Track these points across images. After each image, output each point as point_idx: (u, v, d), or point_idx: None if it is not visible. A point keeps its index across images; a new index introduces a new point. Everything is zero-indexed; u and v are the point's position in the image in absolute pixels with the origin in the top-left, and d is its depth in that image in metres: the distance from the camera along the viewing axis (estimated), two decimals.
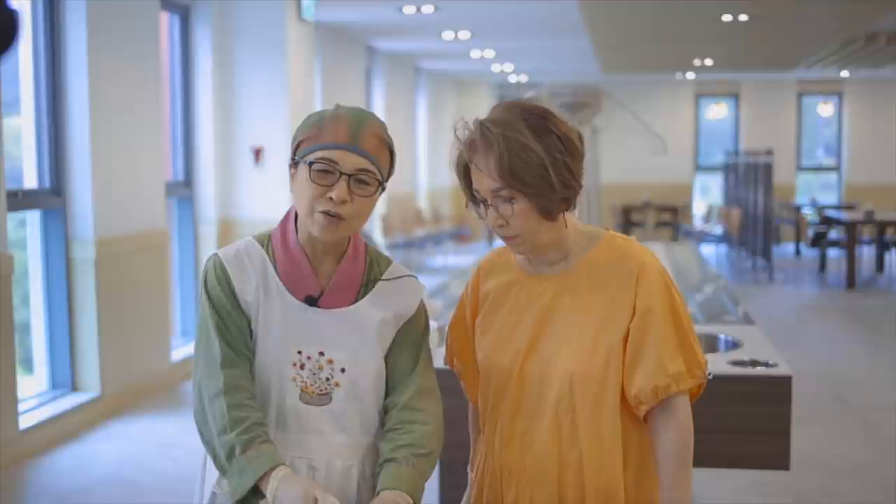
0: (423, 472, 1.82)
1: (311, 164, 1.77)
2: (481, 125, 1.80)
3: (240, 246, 1.88)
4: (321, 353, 1.82)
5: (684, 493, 1.82)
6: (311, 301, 1.83)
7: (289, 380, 1.82)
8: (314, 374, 1.82)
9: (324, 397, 1.83)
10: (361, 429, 1.86)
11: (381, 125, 1.84)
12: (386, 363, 1.89)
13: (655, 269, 1.86)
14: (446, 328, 2.08)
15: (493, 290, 1.97)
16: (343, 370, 1.83)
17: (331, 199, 1.75)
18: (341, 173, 1.76)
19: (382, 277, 1.90)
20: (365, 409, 1.85)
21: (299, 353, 1.82)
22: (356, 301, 1.87)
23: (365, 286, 1.88)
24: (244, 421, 1.74)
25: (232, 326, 1.81)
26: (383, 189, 1.84)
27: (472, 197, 1.86)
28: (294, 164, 1.81)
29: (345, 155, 1.76)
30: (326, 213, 1.76)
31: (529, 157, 1.76)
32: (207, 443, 1.79)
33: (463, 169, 1.85)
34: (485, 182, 1.80)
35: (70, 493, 4.54)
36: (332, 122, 1.79)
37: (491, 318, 1.95)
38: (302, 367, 1.82)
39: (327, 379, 1.82)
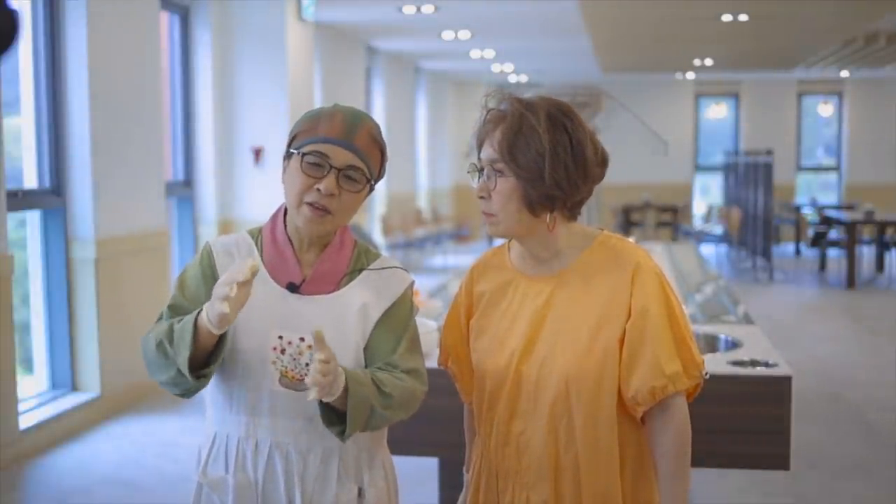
0: (374, 398, 1.78)
1: (303, 155, 1.82)
2: (510, 98, 1.85)
3: (232, 237, 1.97)
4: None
5: (683, 494, 1.82)
6: (293, 288, 1.87)
7: (268, 363, 1.85)
8: (294, 359, 1.84)
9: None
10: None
11: (376, 126, 1.90)
12: (367, 347, 1.90)
13: (650, 268, 1.85)
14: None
15: (487, 290, 1.97)
16: None
17: (318, 190, 1.81)
18: (331, 167, 1.82)
19: (368, 268, 1.93)
20: None
21: (280, 337, 1.84)
22: (339, 289, 1.89)
23: (349, 275, 1.91)
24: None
25: (191, 307, 1.86)
26: (372, 189, 1.89)
27: (476, 166, 1.89)
28: (288, 156, 1.87)
29: (337, 150, 1.82)
30: (313, 205, 1.81)
31: (532, 141, 1.78)
32: (156, 364, 1.82)
33: (481, 138, 1.88)
34: (487, 150, 1.84)
35: (70, 493, 4.54)
36: (328, 117, 1.85)
37: (486, 320, 1.95)
38: (283, 351, 1.84)
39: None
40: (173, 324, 1.80)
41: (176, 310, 1.88)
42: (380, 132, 1.90)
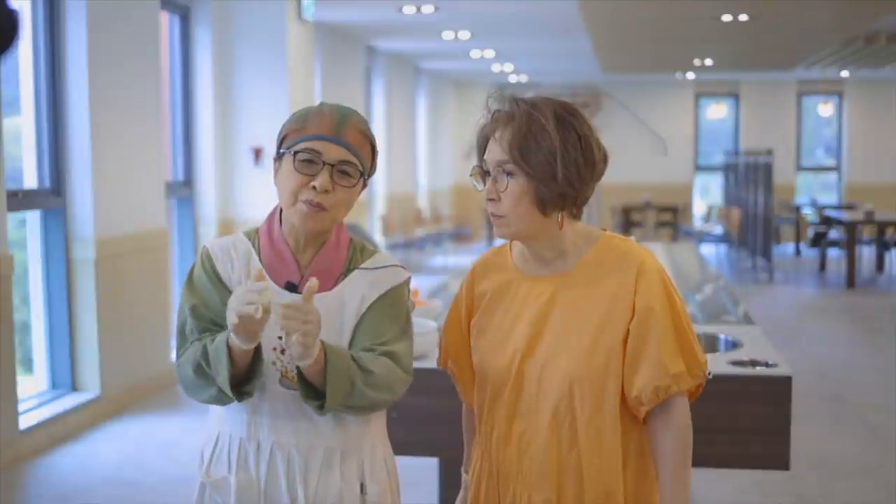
0: (355, 373, 1.78)
1: (295, 153, 1.84)
2: (513, 99, 1.84)
3: (228, 238, 1.98)
4: None
5: (684, 494, 1.82)
6: (291, 287, 1.87)
7: (269, 364, 1.85)
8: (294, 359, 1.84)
9: None
10: (344, 415, 1.87)
11: (364, 121, 1.91)
12: (355, 329, 1.89)
13: (654, 268, 1.85)
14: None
15: (489, 290, 1.96)
16: None
17: (314, 188, 1.82)
18: (324, 163, 1.83)
19: (363, 266, 1.93)
20: None
21: (279, 338, 1.84)
22: (336, 287, 1.90)
23: (345, 273, 1.91)
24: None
25: (208, 311, 1.88)
26: (365, 183, 1.91)
27: (481, 168, 1.87)
28: (279, 157, 1.89)
29: (328, 146, 1.84)
30: (308, 203, 1.82)
31: (543, 141, 1.78)
32: (196, 386, 1.84)
33: (483, 140, 1.87)
34: (495, 152, 1.82)
35: (70, 494, 4.53)
36: (316, 115, 1.88)
37: (487, 320, 1.95)
38: (282, 351, 1.85)
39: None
40: (206, 344, 1.81)
41: (196, 313, 1.88)
42: (368, 127, 1.91)
